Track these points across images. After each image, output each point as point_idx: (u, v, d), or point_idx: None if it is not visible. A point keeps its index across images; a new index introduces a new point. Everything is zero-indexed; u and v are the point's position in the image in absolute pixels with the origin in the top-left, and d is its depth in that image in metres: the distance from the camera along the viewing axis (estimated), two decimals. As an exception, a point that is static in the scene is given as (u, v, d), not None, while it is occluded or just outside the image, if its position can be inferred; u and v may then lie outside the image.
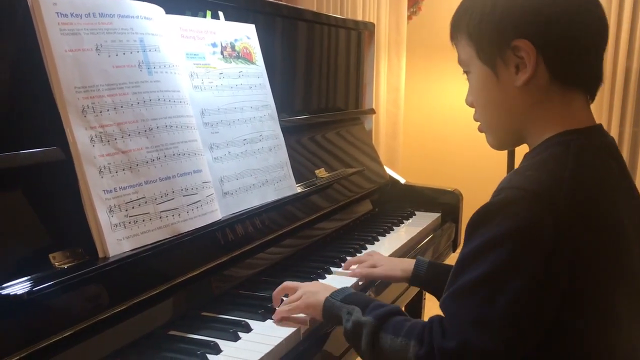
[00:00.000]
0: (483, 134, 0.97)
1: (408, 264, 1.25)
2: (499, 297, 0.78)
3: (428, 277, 1.22)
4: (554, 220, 0.78)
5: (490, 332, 0.78)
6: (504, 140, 0.96)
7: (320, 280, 1.26)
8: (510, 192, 0.81)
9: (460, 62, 0.95)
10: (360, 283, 1.28)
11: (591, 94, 0.90)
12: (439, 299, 1.20)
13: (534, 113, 0.89)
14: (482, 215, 0.82)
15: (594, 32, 0.86)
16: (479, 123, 0.96)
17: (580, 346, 0.83)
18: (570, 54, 0.85)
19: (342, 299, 1.00)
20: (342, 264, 1.35)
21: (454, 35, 0.95)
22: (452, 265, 1.22)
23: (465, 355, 0.79)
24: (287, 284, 1.12)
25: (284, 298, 1.11)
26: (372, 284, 1.29)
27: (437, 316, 0.86)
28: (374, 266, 1.29)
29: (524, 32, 0.84)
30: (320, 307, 1.03)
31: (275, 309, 1.08)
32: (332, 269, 1.33)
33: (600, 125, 0.91)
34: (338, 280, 1.27)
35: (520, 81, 0.86)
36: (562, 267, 0.78)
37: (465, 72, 0.95)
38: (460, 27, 0.92)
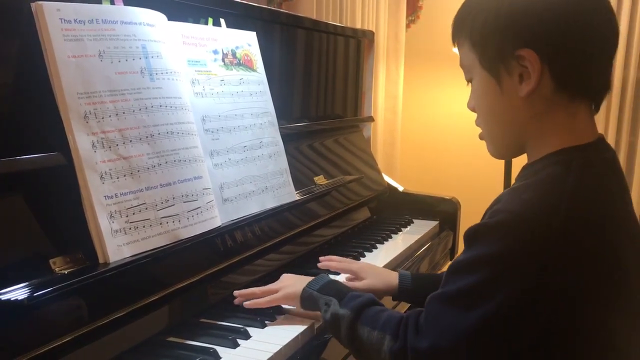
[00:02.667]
0: (481, 142, 0.95)
1: (393, 278, 1.23)
2: (473, 311, 0.79)
3: (415, 290, 1.21)
4: (542, 249, 0.76)
5: (459, 342, 0.80)
6: (503, 149, 0.94)
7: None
8: (504, 215, 0.79)
9: (462, 66, 0.92)
10: None
11: (597, 103, 0.87)
12: None
13: (537, 124, 0.86)
14: (477, 232, 0.82)
15: (603, 40, 0.83)
16: (478, 130, 0.94)
17: None
18: (577, 64, 0.82)
19: (318, 288, 1.04)
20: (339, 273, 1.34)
21: (455, 38, 0.91)
22: (434, 274, 1.24)
23: (434, 358, 0.82)
24: (271, 286, 1.14)
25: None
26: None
27: (414, 312, 0.88)
28: (357, 276, 1.26)
29: (529, 41, 0.81)
30: (298, 297, 1.07)
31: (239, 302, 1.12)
32: (331, 276, 1.33)
33: (601, 138, 0.87)
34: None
35: (524, 92, 0.83)
36: (546, 295, 0.77)
37: (467, 78, 0.92)
38: (463, 30, 0.89)
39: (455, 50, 0.92)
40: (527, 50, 0.81)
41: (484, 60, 0.86)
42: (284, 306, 1.12)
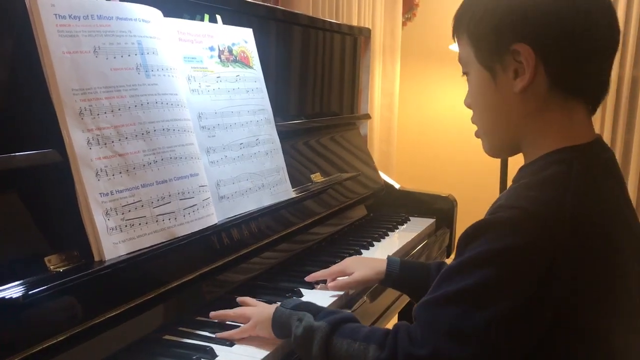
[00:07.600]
0: (477, 139, 0.95)
1: (381, 264, 1.22)
2: (478, 312, 0.75)
3: (402, 276, 1.19)
4: (552, 245, 0.74)
5: (464, 346, 0.76)
6: (498, 147, 0.92)
7: (311, 290, 1.25)
8: (510, 211, 0.77)
9: (460, 61, 0.91)
10: (350, 292, 1.25)
11: (593, 104, 0.85)
12: (411, 297, 1.19)
13: (532, 122, 0.84)
14: (477, 230, 0.79)
15: (600, 39, 0.81)
16: (474, 128, 0.94)
17: None
18: (572, 62, 0.81)
19: (292, 307, 0.97)
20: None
21: (455, 33, 0.91)
22: (423, 263, 1.22)
23: None
24: (245, 310, 1.05)
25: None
26: (367, 289, 1.28)
27: (403, 322, 0.84)
28: (345, 273, 1.23)
29: (524, 36, 0.80)
30: (269, 321, 0.98)
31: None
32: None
33: (599, 139, 0.86)
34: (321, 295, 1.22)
35: (518, 87, 0.82)
36: (553, 294, 0.75)
37: (464, 72, 0.91)
38: (462, 25, 0.88)
39: (453, 47, 0.93)
40: (522, 45, 0.80)
41: (479, 55, 0.86)
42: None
